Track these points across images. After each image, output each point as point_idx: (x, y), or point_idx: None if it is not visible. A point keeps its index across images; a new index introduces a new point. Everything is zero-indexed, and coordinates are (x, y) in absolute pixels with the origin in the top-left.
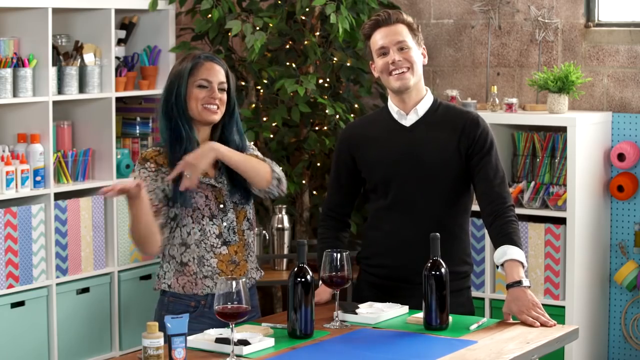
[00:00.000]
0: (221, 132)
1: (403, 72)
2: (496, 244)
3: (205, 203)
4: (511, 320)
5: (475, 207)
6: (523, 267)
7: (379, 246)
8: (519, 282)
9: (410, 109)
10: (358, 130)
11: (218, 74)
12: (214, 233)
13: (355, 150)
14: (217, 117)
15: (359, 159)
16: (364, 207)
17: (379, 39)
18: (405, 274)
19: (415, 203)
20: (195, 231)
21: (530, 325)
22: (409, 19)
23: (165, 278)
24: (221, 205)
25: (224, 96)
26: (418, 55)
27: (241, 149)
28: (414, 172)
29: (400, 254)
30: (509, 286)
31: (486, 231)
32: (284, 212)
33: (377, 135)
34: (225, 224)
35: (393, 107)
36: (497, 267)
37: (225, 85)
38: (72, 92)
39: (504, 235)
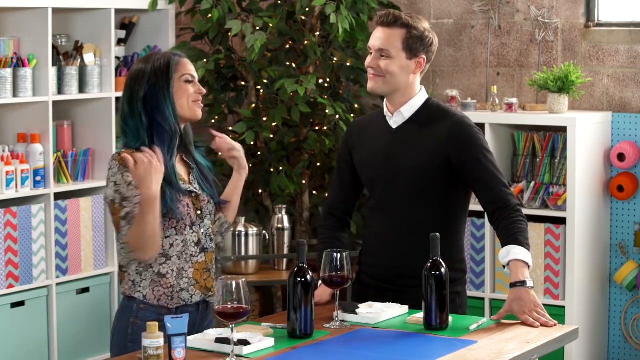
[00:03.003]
0: (189, 136)
1: (376, 76)
2: (502, 245)
3: (186, 212)
4: (504, 320)
5: (473, 207)
6: (528, 267)
7: (369, 245)
8: (523, 282)
9: (395, 111)
10: (358, 128)
11: (194, 70)
12: (193, 242)
13: (352, 148)
14: (201, 114)
15: (354, 157)
16: (363, 206)
17: (372, 37)
18: (390, 276)
19: (397, 206)
20: (178, 242)
21: (530, 326)
22: (414, 24)
23: (141, 287)
24: (198, 212)
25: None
26: (402, 65)
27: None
28: (395, 175)
29: (385, 256)
30: (512, 285)
31: (486, 231)
32: (284, 212)
33: (370, 135)
34: (202, 230)
35: (384, 108)
36: (504, 267)
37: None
38: (72, 92)
39: (509, 235)
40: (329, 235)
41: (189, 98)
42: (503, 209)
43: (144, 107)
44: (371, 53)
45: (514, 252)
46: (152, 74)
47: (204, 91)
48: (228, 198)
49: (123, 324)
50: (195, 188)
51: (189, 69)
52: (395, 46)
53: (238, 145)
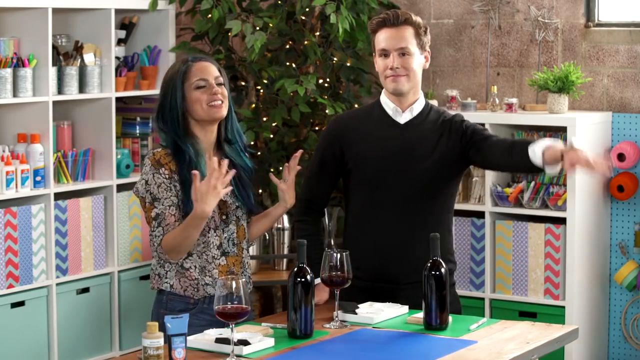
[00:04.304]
0: (225, 133)
1: (399, 76)
2: (523, 154)
3: (210, 215)
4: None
5: (473, 207)
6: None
7: (364, 246)
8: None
9: (406, 108)
10: (349, 123)
11: (211, 70)
12: (215, 245)
13: (346, 143)
14: (224, 112)
15: (349, 152)
16: None
17: (382, 39)
18: (391, 274)
19: (403, 200)
20: (199, 243)
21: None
22: (418, 20)
23: (167, 277)
24: (224, 217)
25: (224, 90)
26: (419, 61)
27: (243, 149)
28: (406, 169)
29: (387, 254)
30: (563, 153)
31: (486, 231)
32: None
33: (370, 130)
34: (225, 234)
35: (389, 104)
36: (542, 168)
37: (222, 79)
38: (72, 92)
39: (523, 142)
40: (313, 231)
41: (202, 104)
42: (506, 141)
43: (162, 118)
44: (384, 56)
45: (540, 143)
46: (165, 87)
47: (219, 91)
48: (262, 216)
49: (155, 317)
50: (226, 193)
51: (200, 73)
52: (412, 43)
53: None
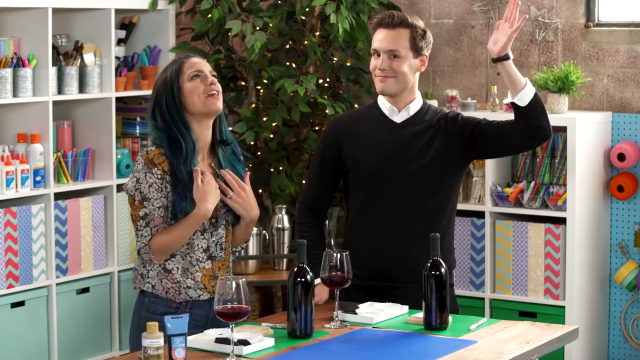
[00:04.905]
0: (219, 134)
1: (387, 77)
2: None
3: None
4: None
5: (473, 207)
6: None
7: (362, 244)
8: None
9: (403, 107)
10: (347, 123)
11: (204, 64)
12: (201, 247)
13: (344, 142)
14: (220, 105)
15: (346, 151)
16: None
17: (376, 39)
18: (390, 273)
19: (400, 199)
20: (184, 244)
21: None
22: (416, 24)
23: (149, 277)
24: (213, 220)
25: (219, 85)
26: (411, 64)
27: (237, 152)
28: (403, 167)
29: (385, 252)
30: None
31: (486, 231)
32: (283, 212)
33: (367, 129)
34: (214, 238)
35: (385, 104)
36: (522, 104)
37: (215, 75)
38: (72, 92)
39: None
40: (313, 232)
41: (200, 94)
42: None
43: (158, 114)
44: (376, 55)
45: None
46: (160, 84)
47: (215, 82)
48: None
49: (137, 318)
50: None
51: (195, 66)
52: (403, 46)
53: (247, 190)
